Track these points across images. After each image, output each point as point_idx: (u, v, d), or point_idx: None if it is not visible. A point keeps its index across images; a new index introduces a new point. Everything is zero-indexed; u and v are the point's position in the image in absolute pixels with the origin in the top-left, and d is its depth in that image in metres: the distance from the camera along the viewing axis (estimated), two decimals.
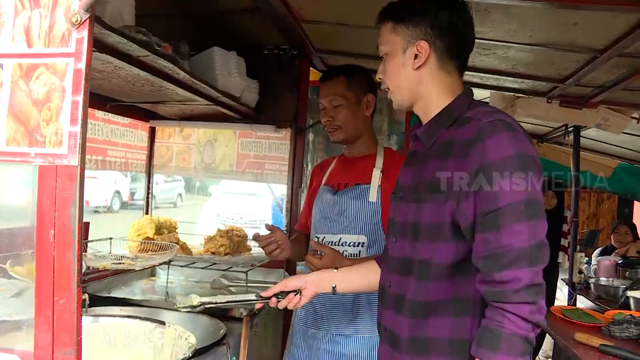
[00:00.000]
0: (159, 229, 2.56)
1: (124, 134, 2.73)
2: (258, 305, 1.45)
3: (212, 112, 2.64)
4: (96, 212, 11.88)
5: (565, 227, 4.68)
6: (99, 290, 2.28)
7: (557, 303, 4.34)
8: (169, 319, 2.01)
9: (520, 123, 1.20)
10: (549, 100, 2.89)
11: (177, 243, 2.35)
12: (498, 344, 1.05)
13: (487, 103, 1.25)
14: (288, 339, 2.31)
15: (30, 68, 0.96)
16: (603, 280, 3.96)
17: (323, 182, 2.05)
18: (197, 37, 2.47)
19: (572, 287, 4.05)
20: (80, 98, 0.93)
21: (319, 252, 1.76)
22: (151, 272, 2.81)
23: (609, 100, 2.89)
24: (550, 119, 3.23)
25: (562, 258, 4.66)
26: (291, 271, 2.74)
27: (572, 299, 4.00)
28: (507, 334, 1.05)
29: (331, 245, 1.89)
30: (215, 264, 2.44)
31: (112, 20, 1.52)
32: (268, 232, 1.89)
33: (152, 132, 3.01)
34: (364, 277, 1.49)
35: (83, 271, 1.84)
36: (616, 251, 4.73)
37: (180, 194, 16.39)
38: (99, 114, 2.49)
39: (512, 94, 3.03)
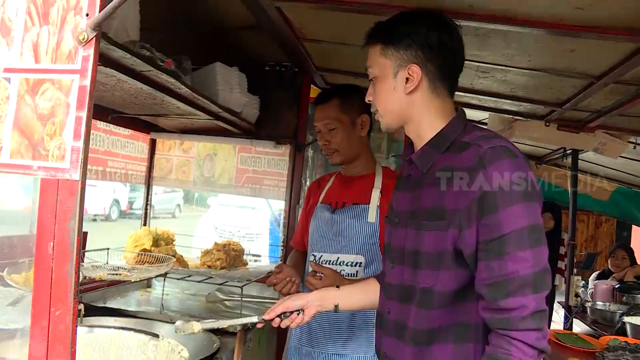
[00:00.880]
0: (157, 241, 2.58)
1: (124, 145, 2.75)
2: (259, 325, 1.45)
3: (213, 127, 2.67)
4: (94, 220, 11.87)
5: (562, 250, 4.69)
6: (94, 300, 2.29)
7: (553, 326, 4.33)
8: (163, 331, 2.02)
9: (518, 144, 1.20)
10: (547, 124, 2.92)
11: (173, 256, 2.36)
12: None
13: (482, 126, 1.26)
14: (283, 355, 2.31)
15: (36, 83, 0.98)
16: (600, 304, 3.96)
17: (320, 200, 2.06)
18: (201, 52, 2.50)
19: (568, 310, 4.04)
20: (84, 114, 0.95)
21: (318, 274, 1.77)
22: (147, 283, 2.82)
23: (606, 125, 2.92)
24: (548, 142, 3.26)
25: (559, 281, 4.66)
26: None
27: (568, 323, 3.99)
28: None
29: (329, 264, 1.90)
30: (211, 277, 2.44)
31: (117, 34, 1.55)
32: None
33: (153, 144, 3.03)
34: (366, 295, 1.49)
35: (80, 281, 1.87)
36: (613, 275, 4.73)
37: (178, 205, 16.39)
38: (101, 124, 2.52)
39: (511, 116, 3.06)
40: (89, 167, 2.53)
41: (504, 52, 2.02)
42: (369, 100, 1.35)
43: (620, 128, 2.93)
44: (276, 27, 2.10)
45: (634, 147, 3.09)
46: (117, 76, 1.65)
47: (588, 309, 3.87)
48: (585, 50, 1.90)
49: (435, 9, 1.64)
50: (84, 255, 2.20)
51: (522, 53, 2.00)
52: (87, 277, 2.02)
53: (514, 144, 1.20)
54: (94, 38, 0.96)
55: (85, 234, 2.34)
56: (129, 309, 2.28)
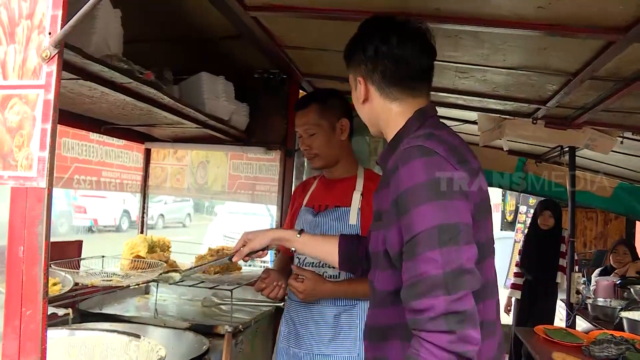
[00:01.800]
0: (152, 248, 2.65)
1: (118, 155, 2.83)
2: (236, 259, 1.67)
3: (204, 135, 2.73)
4: (105, 231, 12.02)
5: (563, 247, 4.69)
6: (91, 306, 2.36)
7: (556, 323, 4.33)
8: (156, 334, 2.09)
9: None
10: (534, 121, 2.95)
11: (166, 261, 2.43)
12: None
13: (443, 123, 1.26)
14: (272, 356, 2.35)
15: (5, 98, 1.05)
16: (600, 300, 3.95)
17: (304, 203, 2.10)
18: (189, 62, 2.58)
19: (569, 307, 4.04)
20: (49, 126, 1.02)
21: (300, 276, 1.82)
22: (145, 290, 2.88)
23: (592, 122, 2.95)
24: (537, 140, 3.28)
25: (561, 278, 4.65)
26: None
27: (570, 320, 3.99)
28: None
29: (311, 266, 1.94)
30: (202, 282, 2.50)
31: (97, 48, 1.61)
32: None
33: (148, 154, 3.11)
34: (324, 247, 1.63)
35: (71, 287, 1.94)
36: (615, 271, 4.70)
37: (189, 214, 16.53)
38: (94, 136, 2.60)
39: (498, 115, 3.10)
40: (82, 177, 2.63)
41: (478, 52, 2.06)
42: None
43: (606, 124, 2.95)
44: (256, 36, 2.16)
45: (621, 142, 3.11)
46: (99, 89, 1.72)
47: (589, 306, 3.86)
48: (558, 48, 1.94)
49: (403, 12, 1.69)
50: (79, 263, 2.27)
51: (496, 52, 2.04)
52: (80, 284, 2.08)
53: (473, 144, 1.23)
54: (57, 55, 1.02)
55: (80, 242, 2.42)
56: (125, 314, 2.34)
